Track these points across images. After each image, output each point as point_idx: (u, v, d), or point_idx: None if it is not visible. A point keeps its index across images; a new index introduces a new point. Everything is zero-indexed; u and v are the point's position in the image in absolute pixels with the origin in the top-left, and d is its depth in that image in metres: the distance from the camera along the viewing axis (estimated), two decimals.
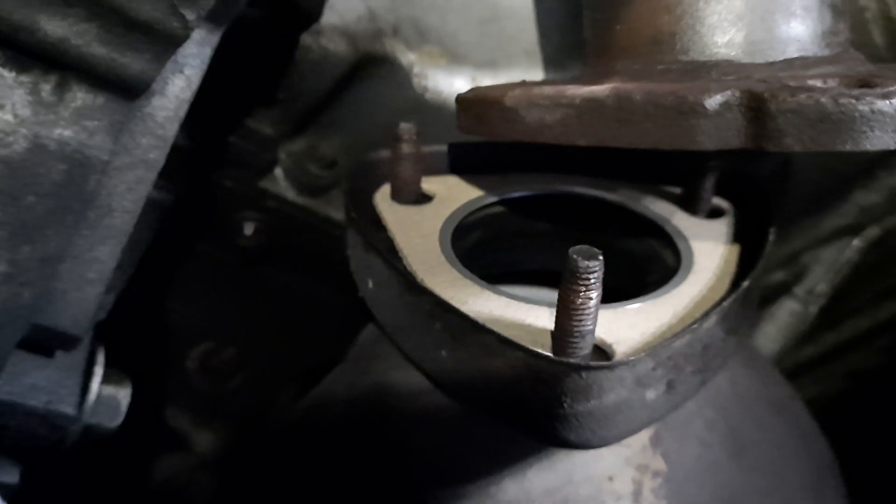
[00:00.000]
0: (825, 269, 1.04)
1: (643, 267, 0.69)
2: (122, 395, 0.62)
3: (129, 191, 0.56)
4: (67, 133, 0.52)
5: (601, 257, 0.48)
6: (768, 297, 1.05)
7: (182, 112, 0.56)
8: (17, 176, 0.51)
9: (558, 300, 0.49)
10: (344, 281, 0.64)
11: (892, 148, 0.45)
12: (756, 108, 0.47)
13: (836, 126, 0.45)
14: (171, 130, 0.56)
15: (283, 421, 0.77)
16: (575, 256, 0.47)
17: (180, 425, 0.79)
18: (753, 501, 0.65)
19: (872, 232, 0.99)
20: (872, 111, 0.44)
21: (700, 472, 0.62)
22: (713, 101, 0.48)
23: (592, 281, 0.48)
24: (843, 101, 0.44)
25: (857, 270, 1.02)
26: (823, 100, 0.45)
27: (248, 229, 0.80)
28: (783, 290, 1.05)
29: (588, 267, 0.47)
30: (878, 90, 0.44)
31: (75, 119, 0.52)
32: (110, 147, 0.54)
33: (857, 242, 1.01)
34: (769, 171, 0.89)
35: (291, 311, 0.83)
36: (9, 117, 0.51)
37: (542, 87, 0.55)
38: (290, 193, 0.83)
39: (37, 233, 0.53)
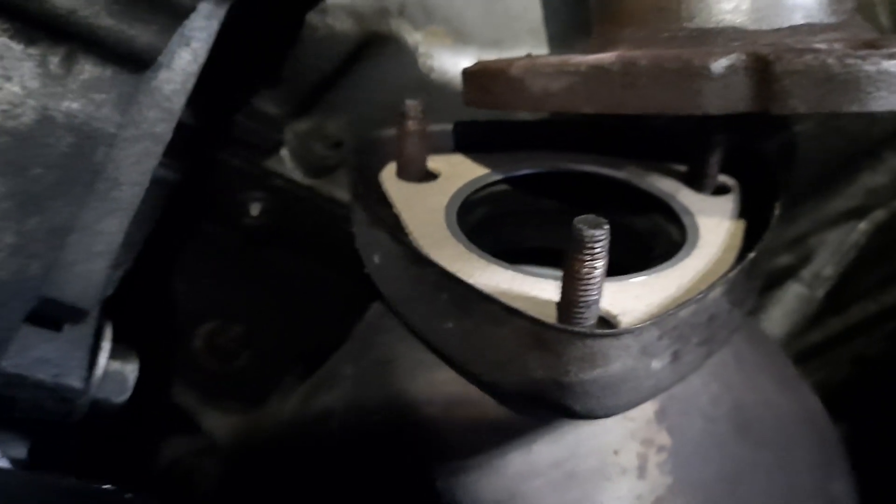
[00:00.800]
0: (831, 252, 1.03)
1: (649, 243, 0.69)
2: (130, 370, 0.63)
3: (136, 163, 0.56)
4: (75, 105, 0.53)
5: (607, 226, 0.48)
6: (775, 281, 1.05)
7: (189, 85, 0.56)
8: (25, 147, 0.52)
9: (564, 270, 0.49)
10: (350, 261, 0.64)
11: (895, 109, 0.45)
12: (761, 70, 0.47)
13: (841, 86, 0.45)
14: (178, 103, 0.56)
15: (290, 400, 0.77)
16: (580, 226, 0.47)
17: (187, 403, 0.79)
18: (758, 477, 0.65)
19: (879, 215, 0.98)
20: (879, 71, 0.44)
21: (705, 447, 0.62)
22: (718, 65, 0.48)
23: (598, 250, 0.48)
24: (848, 61, 0.44)
25: (863, 254, 1.02)
26: (829, 60, 0.44)
27: (255, 209, 0.80)
28: (789, 273, 1.05)
29: (593, 236, 0.47)
30: (884, 51, 0.44)
31: (83, 91, 0.53)
32: (118, 120, 0.54)
33: (863, 225, 1.00)
34: (773, 152, 0.89)
35: (298, 291, 0.83)
36: (17, 89, 0.51)
37: (548, 58, 0.55)
38: (297, 174, 0.83)
39: (45, 204, 0.53)
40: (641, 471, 0.58)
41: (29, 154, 0.52)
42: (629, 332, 0.48)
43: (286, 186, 0.83)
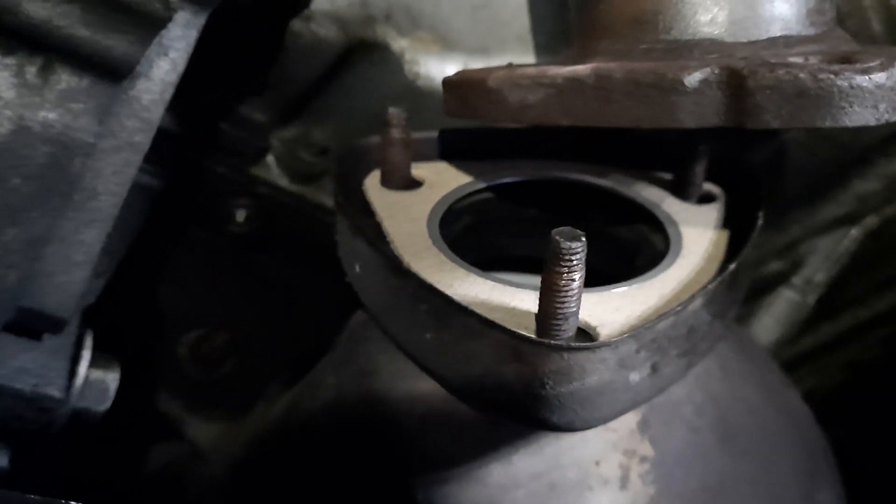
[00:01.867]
0: (823, 258, 1.03)
1: (632, 252, 0.69)
2: (111, 378, 0.62)
3: (114, 174, 0.56)
4: (52, 116, 0.52)
5: (584, 239, 0.47)
6: (766, 287, 1.05)
7: (167, 95, 0.56)
8: (1, 158, 0.52)
9: (542, 282, 0.49)
10: (335, 268, 0.64)
11: (871, 124, 0.45)
12: (735, 84, 0.47)
13: (814, 102, 0.44)
14: (157, 113, 0.56)
15: (274, 409, 0.77)
16: (557, 238, 0.47)
17: (172, 411, 0.79)
18: (743, 488, 0.65)
19: (870, 221, 0.98)
20: (851, 86, 0.44)
21: (688, 458, 0.62)
22: (692, 79, 0.47)
23: (575, 262, 0.48)
24: (821, 76, 0.44)
25: (855, 260, 1.02)
26: (802, 75, 0.44)
27: (240, 216, 0.80)
28: (780, 279, 1.05)
29: (570, 248, 0.47)
30: (858, 66, 0.44)
31: (60, 102, 0.53)
32: (95, 130, 0.54)
33: (854, 232, 1.00)
34: (764, 159, 0.89)
35: (283, 299, 0.83)
36: None
37: (526, 69, 0.54)
38: (283, 180, 0.83)
39: (22, 215, 0.53)
40: (624, 482, 0.58)
41: (5, 164, 0.52)
42: (606, 345, 0.48)
43: (272, 193, 0.82)
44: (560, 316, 0.49)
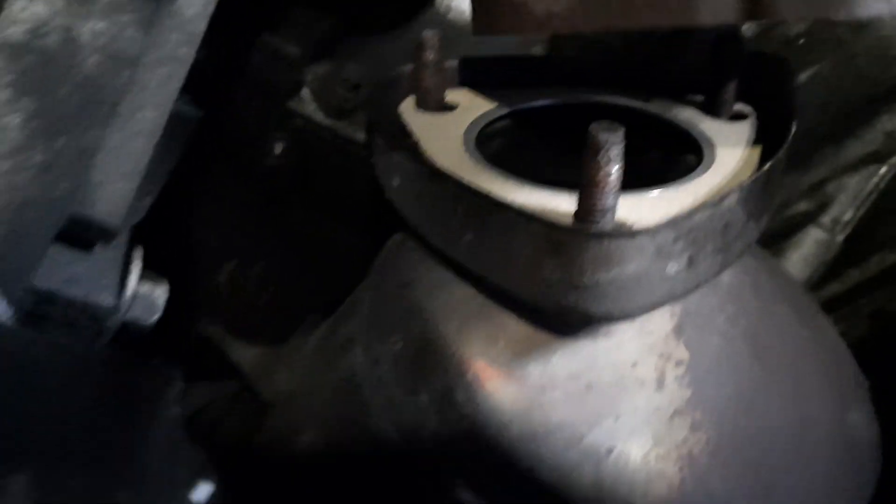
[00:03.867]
0: (851, 197, 1.03)
1: (665, 172, 0.69)
2: (159, 292, 0.64)
3: (160, 86, 0.57)
4: (100, 26, 0.54)
5: (622, 131, 0.48)
6: (794, 227, 1.05)
7: (210, 8, 0.57)
8: (51, 68, 0.53)
9: (580, 177, 0.50)
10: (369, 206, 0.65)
11: (885, 14, 0.45)
12: None
13: None
14: (200, 27, 0.58)
15: (315, 333, 0.79)
16: (595, 130, 0.48)
17: (214, 336, 0.81)
18: (774, 399, 0.66)
19: None
20: None
21: (722, 365, 0.63)
22: None
23: (613, 155, 0.49)
24: None
25: (883, 199, 1.01)
26: None
27: (277, 149, 0.81)
28: (809, 219, 1.04)
29: (609, 140, 0.48)
30: None
31: (107, 12, 0.54)
32: (141, 41, 0.56)
33: (883, 170, 1.00)
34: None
35: (318, 234, 0.85)
36: (42, 10, 0.52)
37: None
38: (318, 115, 0.84)
39: (72, 125, 0.55)
40: (660, 383, 0.59)
41: (55, 74, 0.54)
42: (645, 232, 0.49)
43: (308, 127, 0.84)
44: (598, 211, 0.50)
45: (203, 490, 0.33)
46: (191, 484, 0.30)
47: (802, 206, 1.05)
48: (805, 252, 1.05)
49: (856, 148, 1.00)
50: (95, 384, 0.32)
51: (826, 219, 1.04)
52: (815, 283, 1.08)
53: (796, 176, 1.02)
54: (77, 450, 0.27)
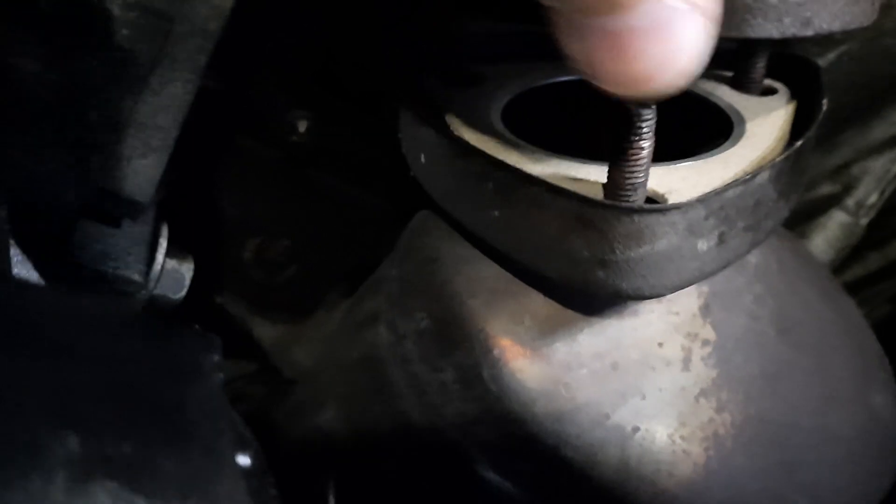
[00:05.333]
0: (876, 180, 1.02)
1: (695, 143, 0.69)
2: (186, 268, 0.65)
3: (188, 59, 0.57)
4: None
5: (654, 105, 0.48)
6: (818, 209, 1.04)
7: None
8: (84, 37, 0.53)
9: (610, 152, 0.50)
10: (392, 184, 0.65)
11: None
12: None
13: None
14: (228, 1, 0.57)
15: (337, 310, 0.79)
16: (627, 104, 0.48)
17: (238, 313, 0.81)
18: (798, 378, 0.66)
19: None
20: None
21: (748, 344, 0.63)
22: None
23: (645, 129, 0.48)
24: None
25: None
26: None
27: (302, 126, 0.81)
28: (833, 202, 1.04)
29: (640, 114, 0.48)
30: None
31: None
32: (168, 14, 0.55)
33: None
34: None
35: (342, 211, 0.85)
36: None
37: None
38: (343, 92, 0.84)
39: (103, 96, 0.55)
40: (686, 363, 0.59)
41: (86, 44, 0.54)
42: (676, 207, 0.48)
43: (332, 105, 0.83)
44: (629, 186, 0.50)
45: (247, 455, 0.33)
46: (236, 449, 0.31)
47: (826, 188, 1.04)
48: (829, 235, 1.04)
49: (881, 129, 0.99)
50: (139, 347, 0.32)
51: (850, 202, 1.03)
52: (838, 266, 1.08)
53: (820, 157, 1.01)
54: (120, 413, 0.27)
